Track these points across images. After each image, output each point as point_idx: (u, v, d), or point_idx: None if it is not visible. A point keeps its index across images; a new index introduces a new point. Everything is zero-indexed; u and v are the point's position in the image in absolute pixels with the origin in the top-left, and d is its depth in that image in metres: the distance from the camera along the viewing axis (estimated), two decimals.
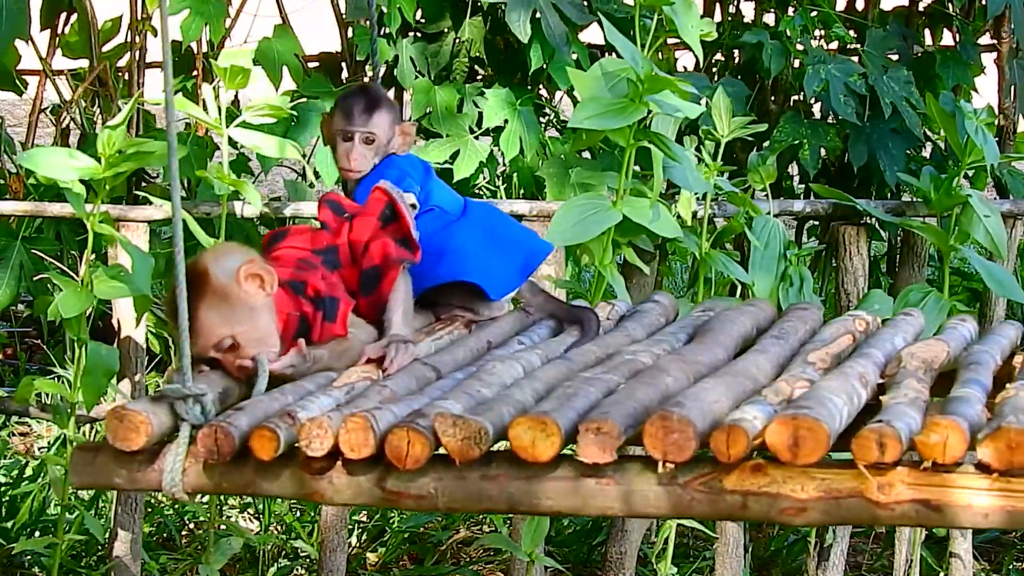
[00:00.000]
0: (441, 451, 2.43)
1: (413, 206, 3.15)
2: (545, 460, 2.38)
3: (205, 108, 3.99)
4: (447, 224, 3.17)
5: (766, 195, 4.61)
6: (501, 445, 2.48)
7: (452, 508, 2.47)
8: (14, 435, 5.99)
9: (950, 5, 5.59)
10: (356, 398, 2.63)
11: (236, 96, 4.08)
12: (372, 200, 3.03)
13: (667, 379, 2.61)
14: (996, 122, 4.86)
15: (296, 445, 2.48)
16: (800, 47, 5.18)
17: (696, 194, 4.24)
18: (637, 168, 4.26)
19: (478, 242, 3.15)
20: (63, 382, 4.41)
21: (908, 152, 5.32)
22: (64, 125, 5.86)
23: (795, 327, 3.02)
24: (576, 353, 2.90)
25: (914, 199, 4.93)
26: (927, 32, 5.76)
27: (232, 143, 4.03)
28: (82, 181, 3.78)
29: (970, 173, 4.81)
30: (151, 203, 4.30)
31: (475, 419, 2.40)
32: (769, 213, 4.50)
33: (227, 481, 2.52)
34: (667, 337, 3.01)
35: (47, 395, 5.66)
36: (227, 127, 3.96)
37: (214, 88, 3.99)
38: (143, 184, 5.46)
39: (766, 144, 5.18)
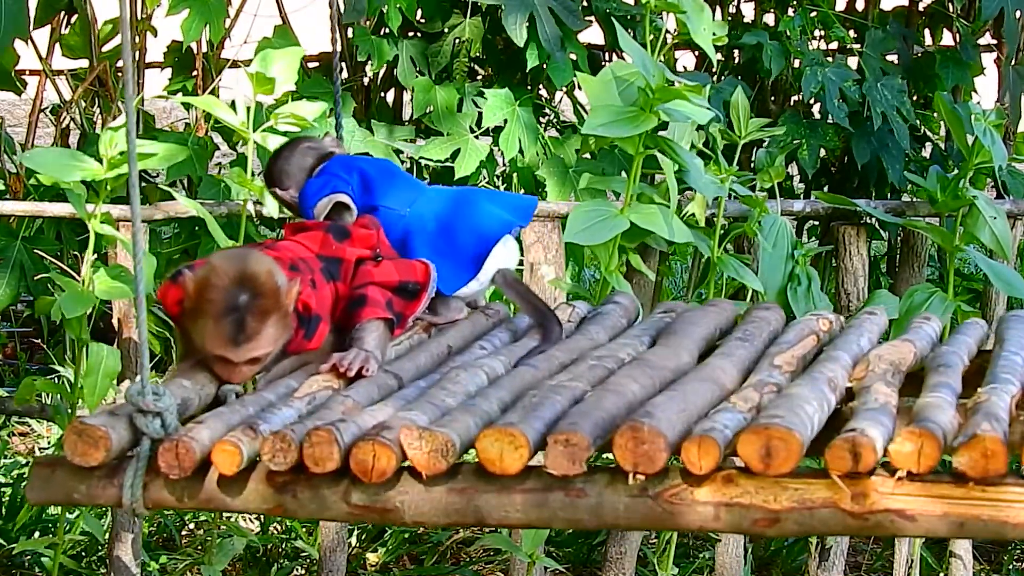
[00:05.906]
0: (407, 463, 2.38)
1: (346, 206, 3.09)
2: (513, 472, 2.34)
3: (232, 106, 3.98)
4: (394, 222, 3.09)
5: (767, 195, 4.61)
6: (467, 456, 2.43)
7: (419, 522, 2.42)
8: (14, 435, 5.99)
9: (950, 5, 5.59)
10: (318, 409, 2.58)
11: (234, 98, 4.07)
12: (414, 265, 2.98)
13: (633, 386, 2.58)
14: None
15: (259, 459, 2.43)
16: (799, 48, 5.18)
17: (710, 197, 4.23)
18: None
19: (427, 240, 3.07)
20: (63, 382, 4.41)
21: (908, 153, 5.32)
22: (64, 125, 5.85)
23: (759, 328, 3.00)
24: (540, 359, 2.85)
25: (914, 199, 4.92)
26: (927, 32, 5.76)
27: (232, 145, 4.02)
28: (83, 182, 3.78)
29: (969, 173, 4.81)
30: (151, 203, 4.30)
31: (442, 431, 2.36)
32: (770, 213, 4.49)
33: (189, 496, 2.47)
34: (631, 341, 2.96)
35: (48, 395, 5.65)
36: (253, 132, 3.93)
37: (215, 89, 3.97)
38: (143, 185, 5.45)
39: (766, 144, 5.18)
